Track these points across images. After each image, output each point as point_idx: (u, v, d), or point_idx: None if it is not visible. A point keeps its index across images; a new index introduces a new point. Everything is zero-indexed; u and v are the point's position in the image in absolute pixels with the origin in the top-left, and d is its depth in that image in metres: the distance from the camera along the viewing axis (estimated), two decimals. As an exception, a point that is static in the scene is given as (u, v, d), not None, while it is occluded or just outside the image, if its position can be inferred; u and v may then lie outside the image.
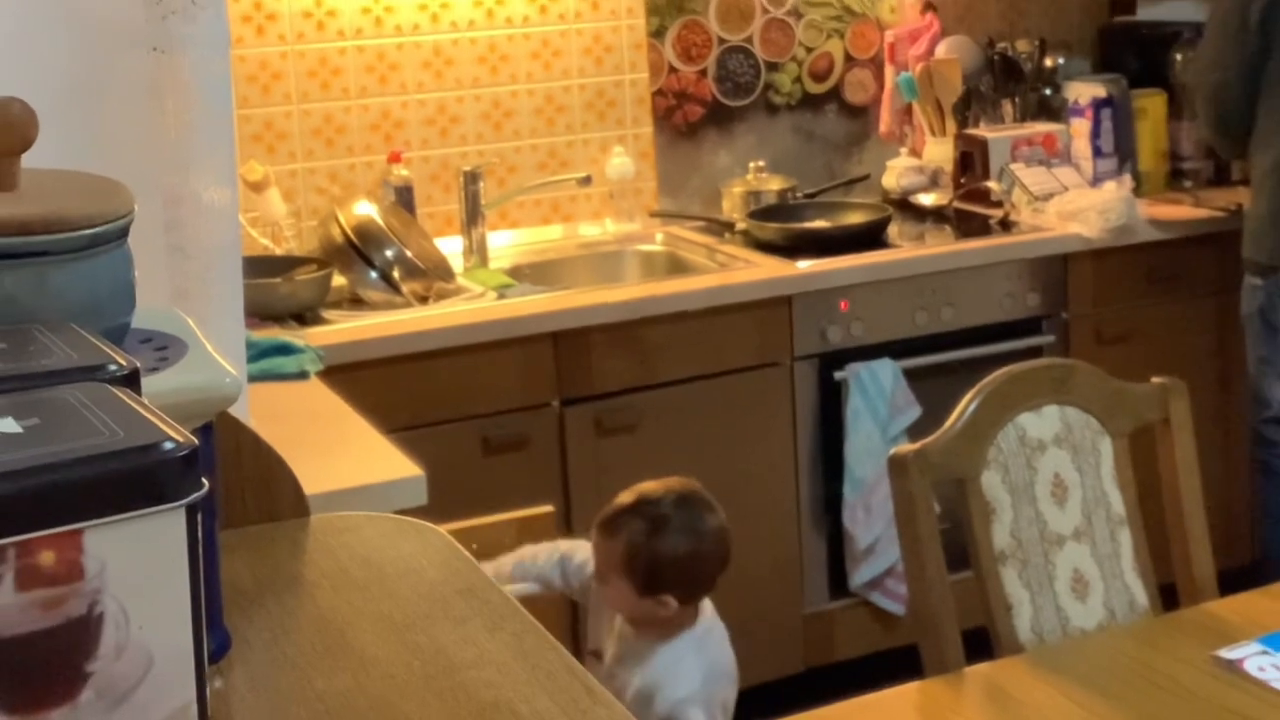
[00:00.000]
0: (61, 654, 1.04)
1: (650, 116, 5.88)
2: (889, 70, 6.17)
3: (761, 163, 5.91)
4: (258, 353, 3.97)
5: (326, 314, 4.86)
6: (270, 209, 5.23)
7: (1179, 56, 5.92)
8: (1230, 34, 5.06)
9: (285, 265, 5.04)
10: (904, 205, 5.88)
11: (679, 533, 3.79)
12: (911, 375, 5.26)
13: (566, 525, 4.80)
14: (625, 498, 3.89)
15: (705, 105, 5.95)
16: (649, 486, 3.90)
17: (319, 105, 5.43)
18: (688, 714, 3.70)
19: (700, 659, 3.82)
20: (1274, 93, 5.04)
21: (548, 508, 4.16)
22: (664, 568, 3.77)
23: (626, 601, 3.83)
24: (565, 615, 4.45)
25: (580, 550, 3.99)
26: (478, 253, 5.39)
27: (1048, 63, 6.19)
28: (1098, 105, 5.95)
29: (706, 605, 3.92)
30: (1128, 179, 5.77)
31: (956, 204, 5.83)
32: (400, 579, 1.75)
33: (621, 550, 3.80)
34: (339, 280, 4.99)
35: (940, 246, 5.44)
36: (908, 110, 6.16)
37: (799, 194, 5.89)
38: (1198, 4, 5.90)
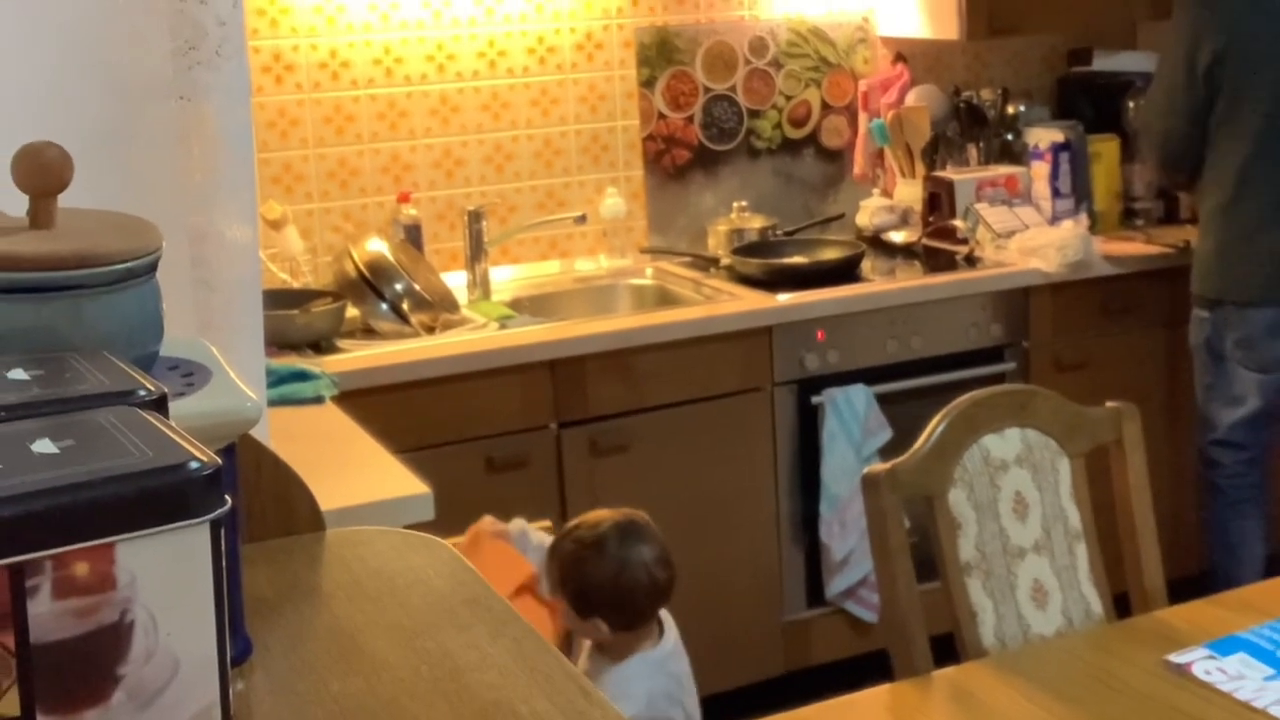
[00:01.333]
0: (95, 658, 1.04)
1: (641, 160, 5.88)
2: (862, 117, 6.17)
3: (744, 203, 5.91)
4: (277, 379, 3.96)
5: (341, 343, 4.86)
6: (288, 246, 5.23)
7: (1132, 104, 5.93)
8: (1179, 84, 5.07)
9: (302, 298, 5.03)
10: (876, 242, 5.88)
11: (607, 560, 3.75)
12: (883, 400, 5.27)
13: (563, 539, 4.81)
14: (572, 522, 3.88)
15: (692, 149, 5.95)
16: (595, 514, 3.87)
17: (334, 149, 5.43)
18: None
19: (649, 683, 3.78)
20: (1219, 139, 5.04)
21: (546, 523, 4.16)
22: (589, 592, 3.75)
23: (569, 619, 3.81)
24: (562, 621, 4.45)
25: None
26: (481, 286, 5.39)
27: (1010, 110, 6.20)
28: (1056, 149, 5.96)
29: (670, 632, 3.89)
30: (1084, 218, 5.78)
31: (925, 241, 5.83)
32: (409, 589, 1.75)
33: (556, 572, 3.79)
34: (352, 312, 4.99)
35: (910, 281, 5.44)
36: (880, 154, 6.17)
37: (779, 232, 5.89)
38: (1149, 56, 5.90)
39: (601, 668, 3.79)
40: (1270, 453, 5.31)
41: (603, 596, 3.75)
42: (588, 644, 3.86)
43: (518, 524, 4.05)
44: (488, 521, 4.02)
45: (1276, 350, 5.10)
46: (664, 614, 3.90)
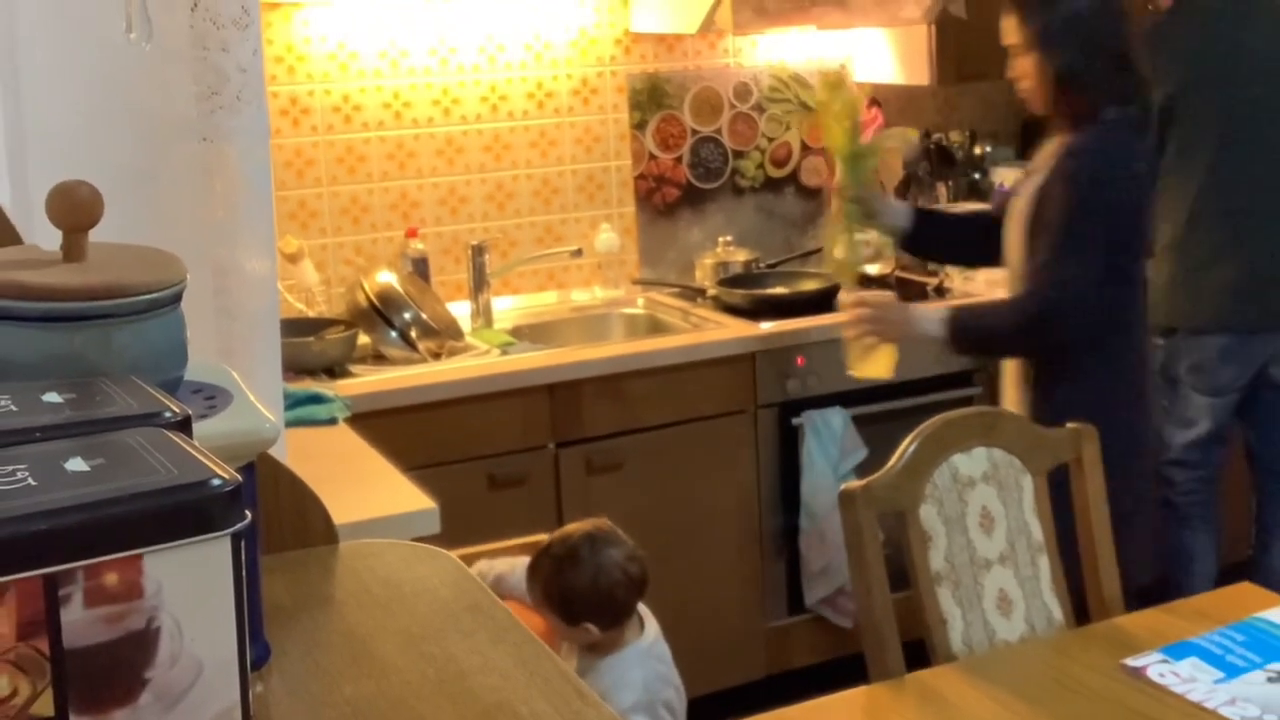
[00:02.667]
0: (124, 662, 1.04)
1: (633, 198, 5.88)
2: (839, 158, 6.18)
3: (729, 237, 5.92)
4: (293, 402, 3.96)
5: (353, 368, 4.86)
6: (304, 278, 5.23)
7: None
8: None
9: (317, 326, 5.03)
10: (852, 274, 5.90)
11: (584, 567, 3.76)
12: (859, 421, 5.27)
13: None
14: (544, 541, 3.89)
15: (680, 188, 5.96)
16: (564, 530, 3.90)
17: (346, 188, 5.43)
18: None
19: (642, 670, 3.80)
20: (1171, 179, 5.03)
21: (543, 536, 4.15)
22: (574, 600, 3.75)
23: (560, 632, 3.82)
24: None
25: (511, 570, 3.98)
26: (484, 315, 5.39)
27: (977, 151, 6.21)
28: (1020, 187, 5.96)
29: (651, 624, 3.90)
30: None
31: (898, 273, 5.84)
32: (416, 598, 1.75)
33: (540, 589, 3.79)
34: (364, 339, 4.99)
35: (884, 310, 5.45)
36: (855, 192, 6.17)
37: (761, 265, 5.89)
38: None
39: (594, 664, 3.80)
40: (1221, 472, 5.31)
41: (586, 601, 3.75)
42: (575, 646, 3.86)
43: (503, 564, 4.04)
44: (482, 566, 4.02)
45: (1226, 375, 5.10)
46: (643, 609, 3.90)
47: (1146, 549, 4.25)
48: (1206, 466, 5.25)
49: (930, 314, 4.35)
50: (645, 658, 3.83)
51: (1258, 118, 4.96)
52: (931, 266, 5.74)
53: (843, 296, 4.49)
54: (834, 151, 4.77)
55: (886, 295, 4.41)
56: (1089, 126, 4.11)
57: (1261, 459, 5.36)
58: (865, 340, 4.40)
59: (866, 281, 5.77)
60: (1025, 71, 4.22)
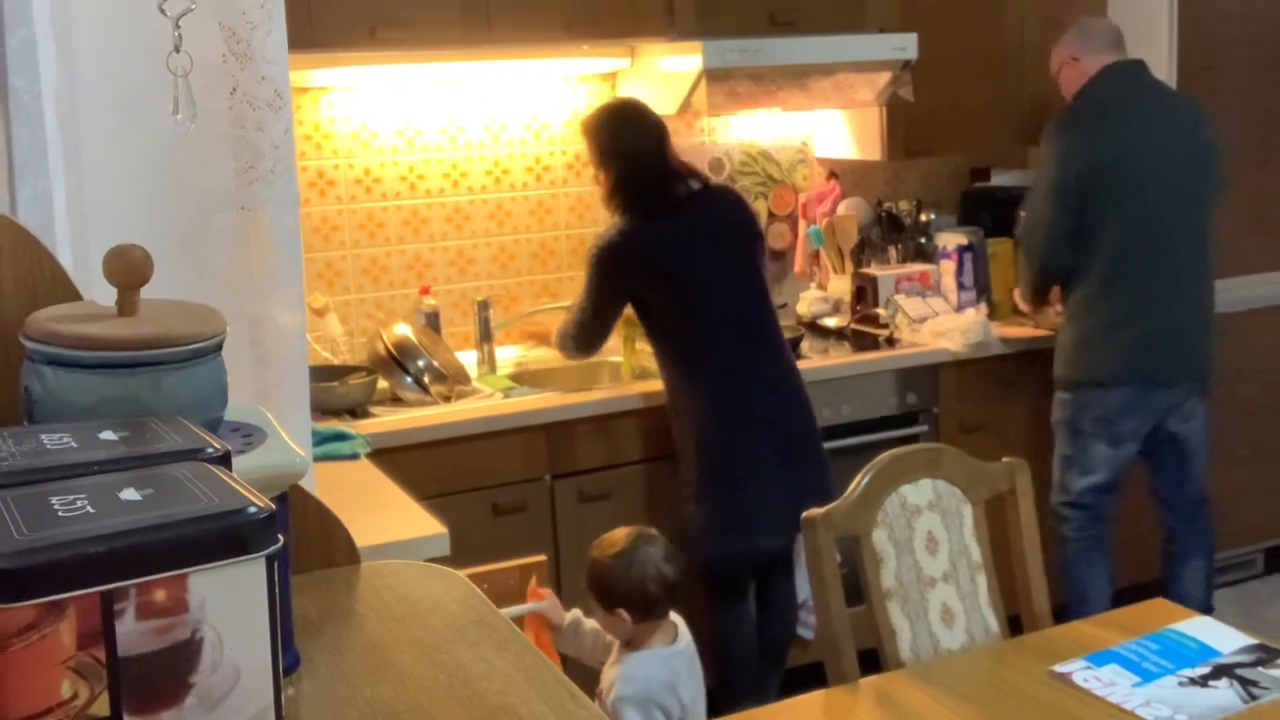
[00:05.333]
0: (171, 669, 1.04)
1: (620, 259, 5.88)
2: (802, 224, 6.19)
3: (705, 294, 5.92)
4: (320, 439, 3.96)
5: (373, 410, 4.85)
6: (330, 330, 5.23)
7: (1023, 213, 5.94)
8: (1055, 199, 5.04)
9: (341, 372, 5.03)
10: (813, 326, 5.89)
11: (622, 558, 3.81)
12: (819, 456, 5.26)
13: (556, 569, 4.80)
14: (598, 540, 3.92)
15: (662, 250, 5.95)
16: (616, 531, 3.93)
17: (367, 250, 5.43)
18: (622, 711, 3.69)
19: (650, 670, 3.79)
20: (1085, 247, 5.04)
21: (541, 557, 4.14)
22: (610, 585, 3.79)
23: (598, 616, 3.84)
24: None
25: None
26: (488, 363, 5.38)
27: (923, 218, 6.21)
28: (961, 250, 5.98)
29: (684, 637, 3.91)
30: (984, 306, 5.80)
31: (853, 326, 5.84)
32: (429, 612, 1.74)
33: (586, 575, 3.84)
34: (382, 384, 4.98)
35: (841, 358, 5.45)
36: (816, 254, 6.18)
37: (733, 318, 5.89)
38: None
39: (622, 658, 3.81)
40: (1113, 513, 5.29)
41: (620, 588, 3.78)
42: (617, 644, 3.87)
43: (573, 614, 4.04)
44: (548, 600, 3.98)
45: (1128, 426, 5.09)
46: (681, 624, 3.91)
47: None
48: (1100, 508, 5.23)
49: None
50: (660, 663, 3.82)
51: (1155, 198, 4.95)
52: (882, 319, 5.74)
53: None
54: None
55: None
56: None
57: (1165, 501, 5.36)
58: None
59: (825, 334, 5.78)
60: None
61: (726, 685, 4.78)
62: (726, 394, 4.72)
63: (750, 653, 4.92)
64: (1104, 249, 5.00)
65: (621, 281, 4.79)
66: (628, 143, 4.81)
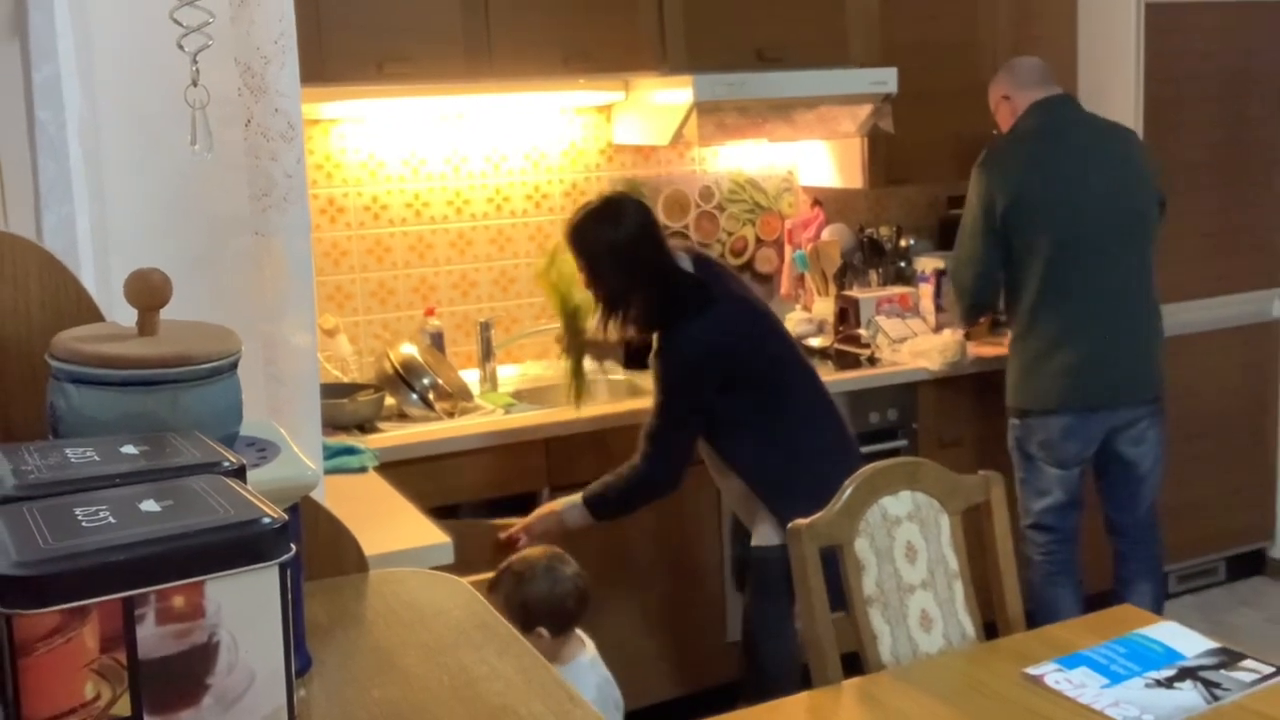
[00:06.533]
0: (188, 671, 1.05)
1: (615, 282, 5.89)
2: (788, 249, 6.20)
3: (695, 315, 5.92)
4: (330, 453, 3.96)
5: (381, 425, 4.85)
6: (340, 349, 5.23)
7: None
8: (980, 235, 5.03)
9: (350, 390, 5.03)
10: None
11: (542, 578, 3.84)
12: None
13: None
14: (504, 564, 3.93)
15: (655, 274, 5.96)
16: (525, 552, 3.99)
17: (375, 274, 5.43)
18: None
19: (593, 677, 3.85)
20: (1013, 281, 5.01)
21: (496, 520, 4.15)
22: (532, 606, 3.80)
23: None
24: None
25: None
26: (490, 381, 5.39)
27: (902, 243, 6.22)
28: (939, 274, 5.98)
29: (589, 643, 3.95)
30: (960, 328, 5.81)
31: (837, 345, 5.84)
32: (434, 617, 1.75)
33: (500, 600, 3.81)
34: (390, 401, 4.98)
35: (825, 376, 5.43)
36: (801, 278, 6.18)
37: (722, 338, 5.90)
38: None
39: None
40: (1078, 533, 5.26)
41: (543, 608, 3.80)
42: None
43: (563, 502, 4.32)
44: (524, 538, 4.20)
45: (1071, 449, 5.07)
46: (580, 632, 3.94)
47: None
48: (1064, 529, 5.19)
49: (573, 507, 4.39)
50: (591, 669, 3.87)
51: (1082, 226, 4.91)
52: (864, 339, 5.75)
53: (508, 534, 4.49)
54: (554, 310, 4.88)
55: (541, 512, 4.41)
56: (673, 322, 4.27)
57: (1114, 523, 5.32)
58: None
59: (810, 353, 5.78)
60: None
61: (759, 681, 4.74)
62: (813, 439, 4.46)
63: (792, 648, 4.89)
64: (1031, 280, 4.98)
65: (709, 380, 4.29)
66: (645, 260, 4.28)
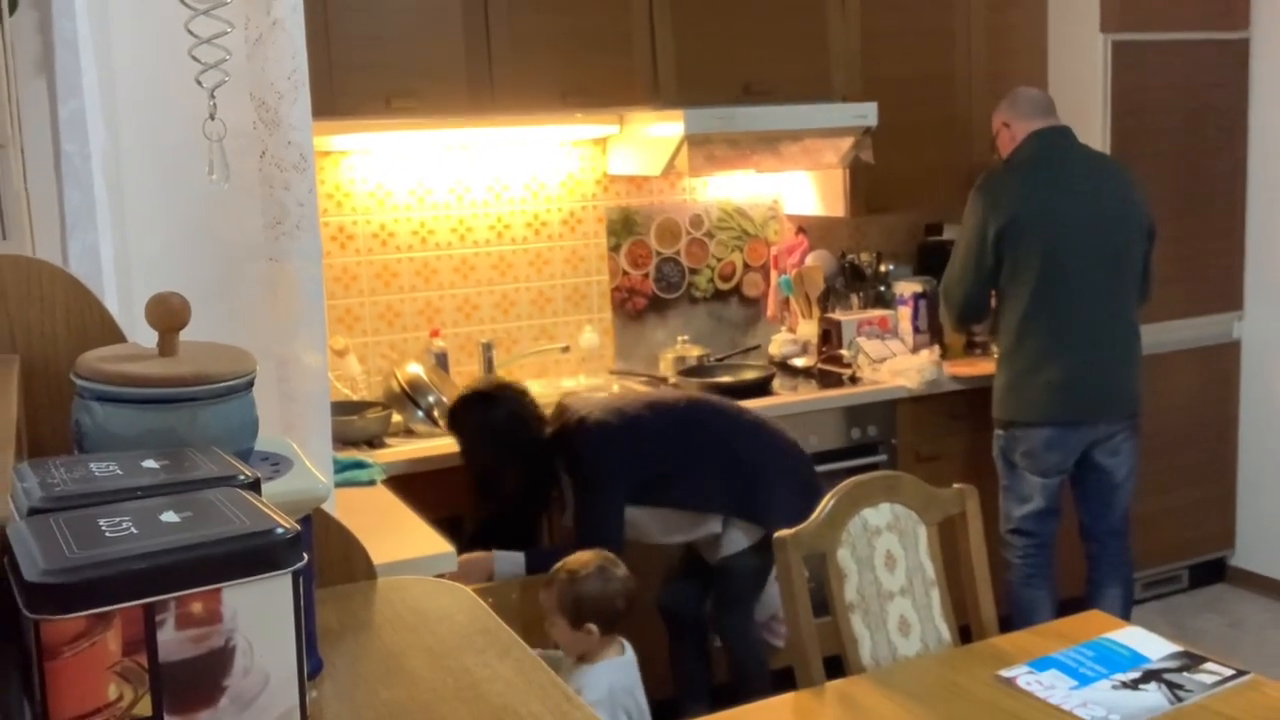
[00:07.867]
0: (206, 673, 1.05)
1: (610, 305, 5.89)
2: (774, 274, 6.20)
3: (686, 337, 5.92)
4: (340, 467, 3.95)
5: (388, 441, 4.85)
6: (349, 369, 5.23)
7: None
8: (973, 253, 5.05)
9: (359, 407, 5.03)
10: (784, 366, 5.89)
11: (595, 578, 3.87)
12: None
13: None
14: (561, 563, 3.95)
15: (647, 298, 5.96)
16: (579, 554, 3.99)
17: (383, 298, 5.43)
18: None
19: (610, 678, 3.87)
20: (1004, 298, 5.04)
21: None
22: (584, 603, 3.84)
23: (564, 635, 3.87)
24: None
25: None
26: (492, 398, 5.39)
27: (882, 268, 6.22)
28: (917, 297, 5.99)
29: (629, 651, 3.96)
30: (937, 348, 5.80)
31: (820, 365, 5.84)
32: (439, 622, 1.75)
33: (555, 595, 3.87)
34: (397, 418, 4.98)
35: (808, 394, 5.45)
36: (786, 301, 6.19)
37: (711, 358, 5.89)
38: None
39: (579, 669, 3.85)
40: (1055, 539, 5.28)
41: (594, 605, 3.84)
42: (568, 660, 3.89)
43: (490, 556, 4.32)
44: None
45: (1053, 459, 5.09)
46: (625, 642, 3.93)
47: None
48: (1042, 535, 5.21)
49: (506, 559, 4.40)
50: (616, 671, 3.88)
51: (1070, 251, 4.94)
52: (846, 360, 5.75)
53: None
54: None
55: (474, 557, 4.37)
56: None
57: (1088, 529, 5.33)
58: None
59: (794, 373, 5.78)
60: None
61: (743, 681, 4.74)
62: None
63: None
64: (1020, 300, 5.01)
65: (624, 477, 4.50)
66: (516, 442, 4.49)
